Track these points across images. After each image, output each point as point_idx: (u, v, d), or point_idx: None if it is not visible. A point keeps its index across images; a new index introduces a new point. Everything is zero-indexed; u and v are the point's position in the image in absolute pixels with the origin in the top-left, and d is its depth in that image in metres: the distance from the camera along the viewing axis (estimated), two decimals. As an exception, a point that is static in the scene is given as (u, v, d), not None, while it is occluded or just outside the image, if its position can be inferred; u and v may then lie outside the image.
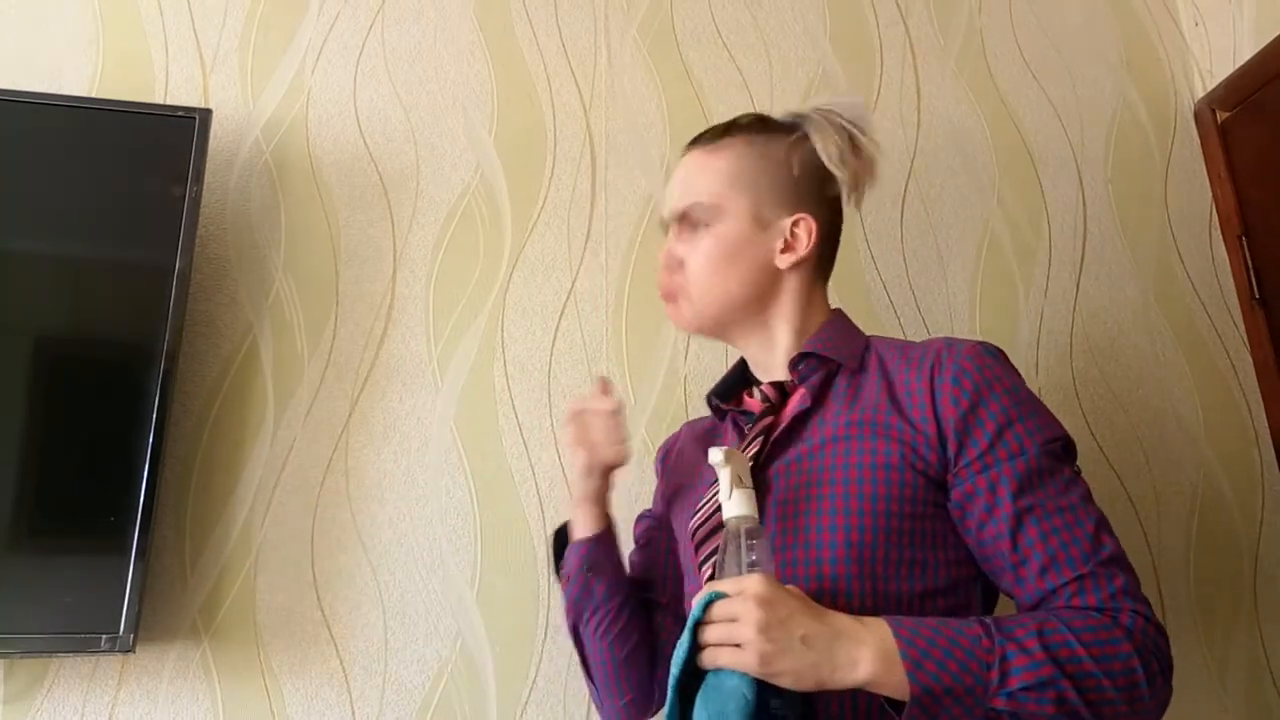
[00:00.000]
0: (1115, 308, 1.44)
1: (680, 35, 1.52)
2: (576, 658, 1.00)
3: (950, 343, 0.86)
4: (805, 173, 0.95)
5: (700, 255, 0.94)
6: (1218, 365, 1.42)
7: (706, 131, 1.00)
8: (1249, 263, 1.43)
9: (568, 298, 1.37)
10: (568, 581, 0.99)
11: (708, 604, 0.71)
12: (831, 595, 0.78)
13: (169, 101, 1.36)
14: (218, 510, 1.23)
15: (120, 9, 1.41)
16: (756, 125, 0.98)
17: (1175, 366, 1.41)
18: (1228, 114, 1.49)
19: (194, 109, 1.26)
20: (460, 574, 1.24)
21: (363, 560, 1.23)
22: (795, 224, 0.94)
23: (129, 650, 1.07)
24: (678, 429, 1.13)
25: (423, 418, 1.30)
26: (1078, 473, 0.82)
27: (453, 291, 1.36)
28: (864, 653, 0.69)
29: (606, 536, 0.99)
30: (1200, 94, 1.55)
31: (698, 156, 0.98)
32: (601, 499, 0.99)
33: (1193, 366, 1.42)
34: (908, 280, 1.42)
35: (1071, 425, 1.35)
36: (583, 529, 0.99)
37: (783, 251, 0.93)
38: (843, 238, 1.00)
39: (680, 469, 1.05)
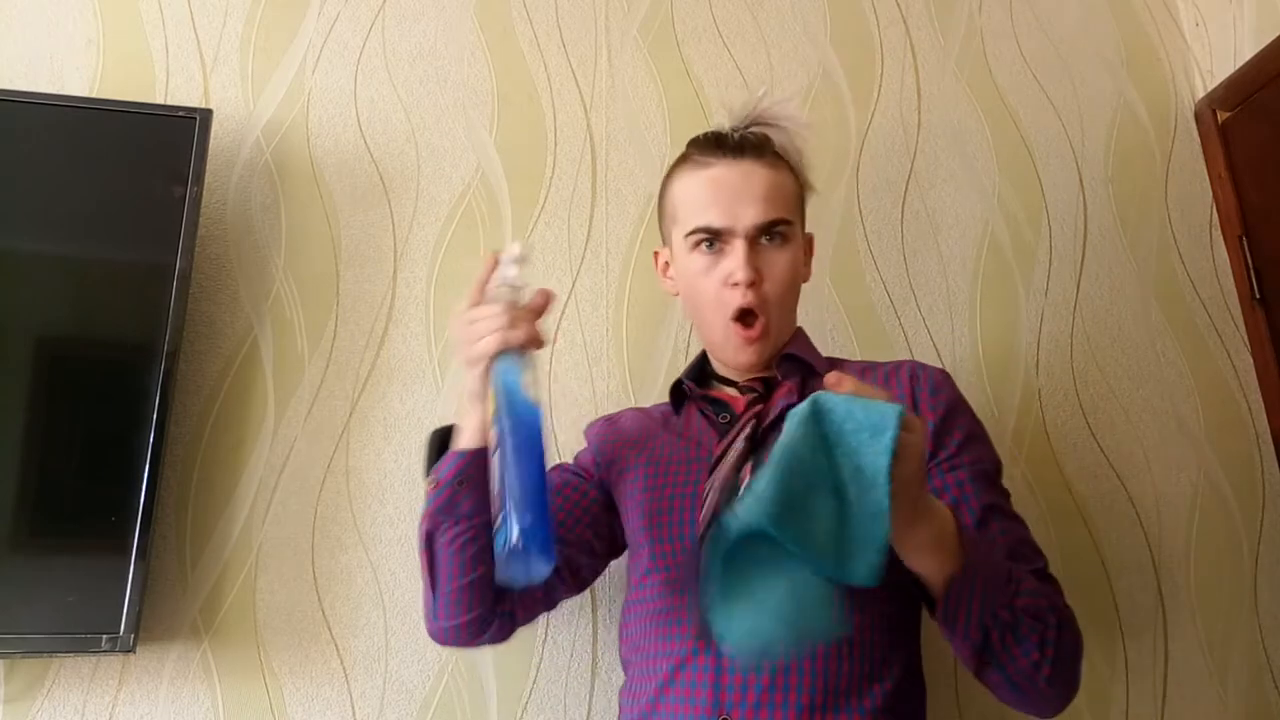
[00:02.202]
0: (1115, 308, 1.43)
1: (680, 35, 1.52)
2: (421, 563, 0.93)
3: (919, 363, 0.97)
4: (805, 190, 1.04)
5: (781, 278, 0.96)
6: (1218, 365, 1.42)
7: (748, 144, 0.98)
8: (1249, 263, 1.43)
9: (568, 298, 1.37)
10: (435, 488, 0.90)
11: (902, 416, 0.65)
12: None
13: (169, 102, 1.36)
14: (218, 510, 1.23)
15: (120, 9, 1.41)
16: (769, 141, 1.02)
17: (1175, 366, 1.41)
18: (1228, 114, 1.49)
19: (194, 109, 1.26)
20: (460, 574, 1.24)
21: (363, 560, 1.23)
22: (809, 240, 1.02)
23: (129, 650, 1.07)
24: (621, 410, 1.13)
25: (423, 418, 1.30)
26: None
27: (453, 291, 1.35)
28: (934, 520, 0.74)
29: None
30: (1200, 94, 1.55)
31: (765, 172, 0.96)
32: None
33: (1193, 366, 1.42)
34: (908, 280, 1.42)
35: (1071, 425, 1.36)
36: (469, 439, 0.89)
37: (803, 266, 1.02)
38: (843, 238, 1.03)
39: (625, 442, 1.03)
